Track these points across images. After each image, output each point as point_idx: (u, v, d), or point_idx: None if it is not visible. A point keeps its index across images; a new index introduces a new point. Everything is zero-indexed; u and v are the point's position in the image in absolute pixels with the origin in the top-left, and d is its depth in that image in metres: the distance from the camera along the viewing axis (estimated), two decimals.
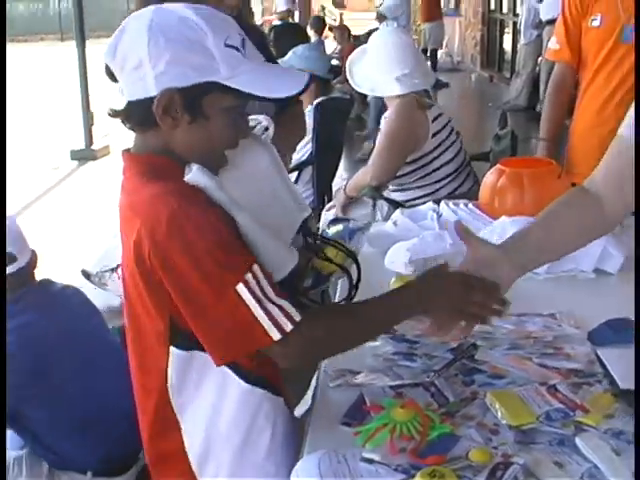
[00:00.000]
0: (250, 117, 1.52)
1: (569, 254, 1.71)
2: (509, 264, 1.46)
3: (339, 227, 1.67)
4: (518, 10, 11.17)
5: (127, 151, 1.37)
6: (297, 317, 1.25)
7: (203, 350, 1.29)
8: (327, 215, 3.28)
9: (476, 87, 12.33)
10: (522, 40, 9.61)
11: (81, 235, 5.42)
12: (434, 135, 3.11)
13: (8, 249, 2.09)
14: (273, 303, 1.23)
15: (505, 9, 12.80)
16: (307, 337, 1.27)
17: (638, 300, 1.52)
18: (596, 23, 2.75)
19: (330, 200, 3.70)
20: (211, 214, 1.24)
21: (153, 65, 1.24)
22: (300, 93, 1.29)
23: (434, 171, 3.13)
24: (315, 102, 3.96)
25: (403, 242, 2.18)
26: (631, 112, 1.49)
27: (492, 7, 13.64)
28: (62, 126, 8.77)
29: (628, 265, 2.03)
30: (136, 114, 1.30)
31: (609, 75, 2.75)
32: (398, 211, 2.51)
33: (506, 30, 12.70)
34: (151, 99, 1.26)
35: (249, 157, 1.39)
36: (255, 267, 1.23)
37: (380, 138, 3.15)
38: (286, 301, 1.25)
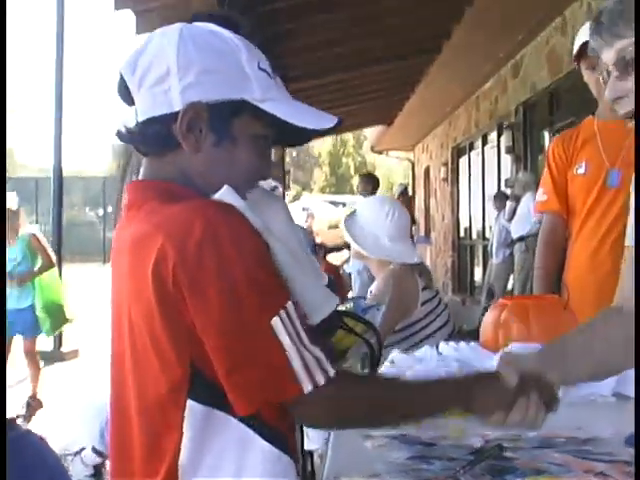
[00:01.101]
0: None
1: (614, 370, 1.52)
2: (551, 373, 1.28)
3: (349, 305, 1.52)
4: (487, 234, 11.49)
5: (135, 182, 1.21)
6: (331, 373, 1.07)
7: (222, 409, 1.08)
8: None
9: (449, 311, 12.42)
10: (494, 260, 9.75)
11: (43, 425, 5.16)
12: (423, 303, 3.04)
13: None
14: (308, 350, 1.06)
15: (474, 235, 13.18)
16: (336, 397, 1.09)
17: (638, 312, 1.35)
18: (581, 171, 2.76)
19: None
20: (249, 228, 1.08)
21: (181, 76, 1.12)
22: (332, 129, 1.16)
23: (422, 340, 3.00)
24: None
25: None
26: (631, 221, 1.40)
27: (462, 234, 14.07)
28: None
29: None
30: (154, 134, 1.15)
31: (598, 221, 2.71)
32: (395, 351, 2.35)
33: (476, 255, 13.00)
34: (173, 116, 1.12)
35: (266, 206, 1.22)
36: (289, 304, 1.06)
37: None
38: (320, 351, 1.07)
